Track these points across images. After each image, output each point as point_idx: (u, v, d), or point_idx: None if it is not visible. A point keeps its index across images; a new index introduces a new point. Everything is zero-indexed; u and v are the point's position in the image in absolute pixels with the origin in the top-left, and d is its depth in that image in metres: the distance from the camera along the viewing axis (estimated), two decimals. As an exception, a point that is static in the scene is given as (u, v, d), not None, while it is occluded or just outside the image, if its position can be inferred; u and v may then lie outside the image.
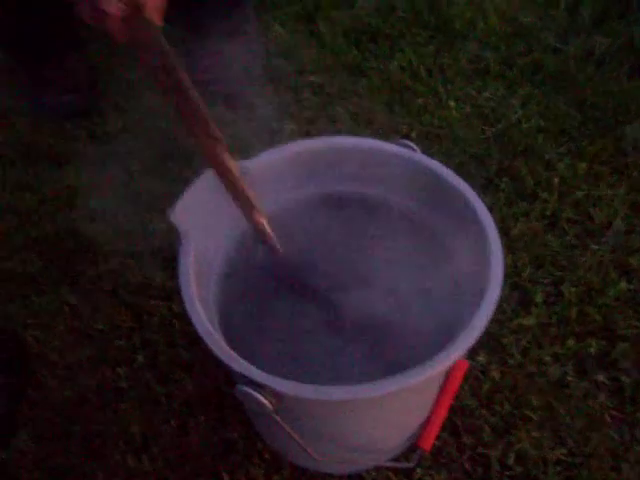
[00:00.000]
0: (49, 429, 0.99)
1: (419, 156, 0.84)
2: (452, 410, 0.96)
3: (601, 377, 1.00)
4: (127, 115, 1.41)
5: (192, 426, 0.98)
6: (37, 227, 1.23)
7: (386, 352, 0.89)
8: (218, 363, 0.69)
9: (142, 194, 1.24)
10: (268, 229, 0.81)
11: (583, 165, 1.24)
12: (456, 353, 0.67)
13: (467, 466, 0.93)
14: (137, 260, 1.17)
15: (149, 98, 1.40)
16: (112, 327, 1.09)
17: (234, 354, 0.67)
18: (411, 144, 0.84)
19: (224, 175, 0.78)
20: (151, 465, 0.95)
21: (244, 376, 0.66)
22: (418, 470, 0.92)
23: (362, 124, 1.33)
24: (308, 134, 1.31)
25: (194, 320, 0.69)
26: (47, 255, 1.19)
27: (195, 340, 1.02)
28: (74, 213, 1.25)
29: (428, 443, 0.85)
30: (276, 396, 0.66)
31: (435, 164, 0.83)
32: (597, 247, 1.14)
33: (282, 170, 0.86)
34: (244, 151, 0.86)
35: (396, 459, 0.92)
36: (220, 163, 0.77)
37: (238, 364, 0.66)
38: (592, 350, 1.02)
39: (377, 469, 0.92)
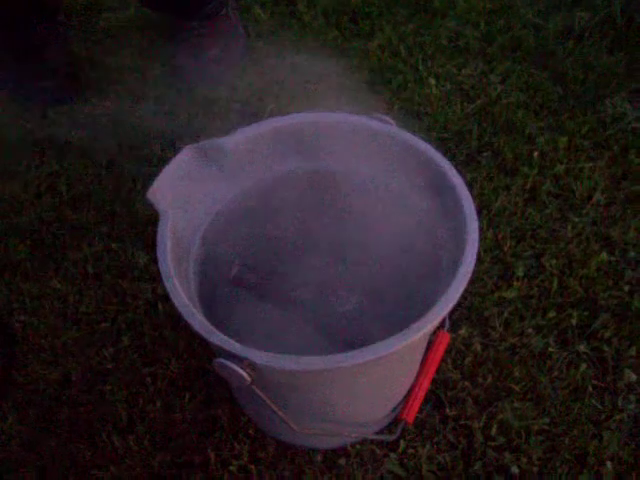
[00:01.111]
0: (35, 412, 1.00)
1: (396, 130, 0.84)
2: (435, 383, 0.97)
3: (582, 347, 1.01)
4: (109, 100, 1.40)
5: (177, 405, 0.98)
6: (20, 213, 1.23)
7: (367, 325, 0.90)
8: (198, 338, 0.70)
9: (124, 176, 1.25)
10: None
11: (563, 139, 1.25)
12: (433, 321, 0.67)
13: (450, 437, 0.94)
14: (121, 243, 1.17)
15: (131, 84, 1.41)
16: (97, 310, 1.09)
17: (211, 327, 0.67)
18: (387, 118, 0.84)
19: None
20: (137, 445, 0.95)
21: (222, 349, 0.66)
22: (402, 442, 0.93)
23: (343, 103, 1.33)
24: (289, 113, 1.30)
25: (171, 294, 0.69)
26: (31, 240, 1.19)
27: (179, 321, 1.03)
28: (57, 198, 1.25)
29: (411, 415, 0.87)
30: (254, 368, 0.66)
31: (412, 137, 0.83)
32: (578, 219, 1.14)
33: (260, 146, 0.87)
34: (225, 131, 0.86)
35: (380, 432, 0.93)
36: None
37: (215, 336, 0.67)
38: (573, 321, 1.03)
39: (361, 442, 0.93)
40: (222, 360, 0.66)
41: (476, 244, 0.73)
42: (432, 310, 0.68)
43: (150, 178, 0.79)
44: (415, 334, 0.66)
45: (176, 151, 0.82)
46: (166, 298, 1.06)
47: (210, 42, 1.40)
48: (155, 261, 1.11)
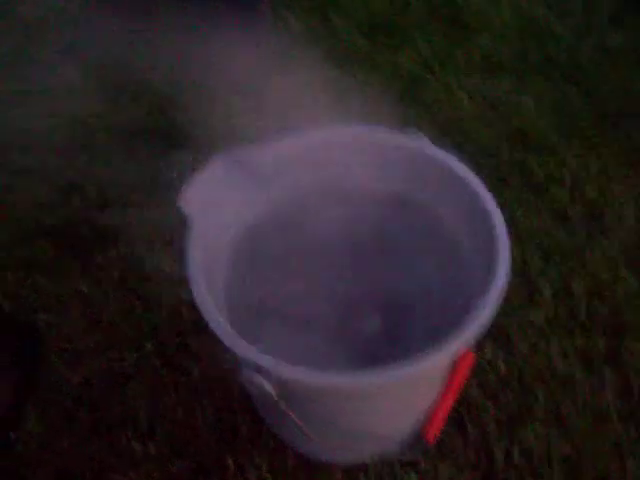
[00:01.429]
0: (57, 413, 1.00)
1: (430, 147, 0.84)
2: (458, 402, 0.96)
3: (608, 373, 1.00)
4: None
5: (198, 413, 0.98)
6: (50, 215, 1.24)
7: (395, 342, 0.89)
8: (225, 349, 0.69)
9: (153, 182, 1.25)
10: None
11: (595, 161, 1.24)
12: (460, 341, 0.67)
13: (472, 458, 0.93)
14: (147, 248, 1.17)
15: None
16: (121, 314, 1.10)
17: (240, 339, 0.67)
18: (420, 133, 0.84)
19: None
20: (156, 450, 0.95)
21: (250, 361, 0.66)
22: (423, 461, 0.92)
23: (373, 116, 1.33)
24: (319, 124, 1.30)
25: (200, 306, 0.69)
26: (59, 242, 1.20)
27: (203, 328, 1.03)
28: (86, 201, 1.25)
29: (433, 434, 0.86)
30: (280, 382, 0.66)
31: (445, 155, 0.83)
32: (607, 243, 1.13)
33: (290, 158, 0.87)
34: (255, 139, 0.86)
35: (401, 449, 0.92)
36: None
37: (244, 349, 0.67)
38: (600, 346, 1.02)
39: (382, 460, 0.92)
40: (250, 373, 0.65)
41: (506, 270, 0.73)
42: (463, 332, 0.68)
43: (181, 184, 0.79)
44: (444, 355, 0.66)
45: (207, 159, 0.82)
46: (190, 304, 1.06)
47: None
48: (181, 266, 1.12)
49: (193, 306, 0.97)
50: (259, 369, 0.66)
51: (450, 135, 1.29)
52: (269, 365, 0.65)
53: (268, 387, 0.66)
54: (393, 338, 0.89)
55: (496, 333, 1.03)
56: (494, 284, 0.71)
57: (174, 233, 1.17)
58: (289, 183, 0.89)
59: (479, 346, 1.01)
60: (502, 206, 1.14)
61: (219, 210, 0.82)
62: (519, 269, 1.10)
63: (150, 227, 1.19)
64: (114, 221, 1.21)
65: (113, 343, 1.07)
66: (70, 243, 1.20)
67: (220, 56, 1.42)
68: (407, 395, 0.79)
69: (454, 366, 0.85)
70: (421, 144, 0.84)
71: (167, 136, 1.33)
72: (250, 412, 0.97)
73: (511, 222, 1.12)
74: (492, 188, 0.82)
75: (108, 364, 1.05)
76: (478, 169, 1.05)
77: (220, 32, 1.40)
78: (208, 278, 0.76)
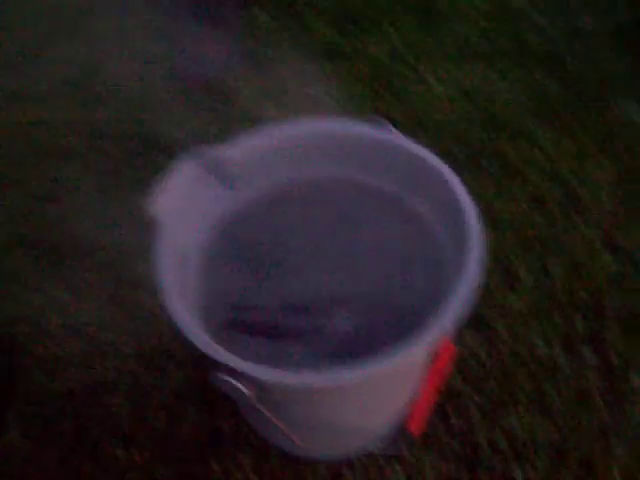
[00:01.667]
0: (39, 424, 0.99)
1: (395, 137, 0.83)
2: (442, 394, 0.96)
3: (589, 355, 1.00)
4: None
5: (181, 417, 0.98)
6: (24, 224, 1.22)
7: (369, 333, 0.89)
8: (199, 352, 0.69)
9: (126, 186, 1.24)
10: None
11: (570, 143, 1.23)
12: (434, 332, 0.67)
13: (456, 448, 0.93)
14: (124, 255, 1.16)
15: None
16: (99, 321, 1.09)
17: (211, 342, 0.66)
18: (384, 120, 0.83)
19: None
20: (140, 456, 0.94)
21: (226, 366, 0.66)
22: (408, 454, 0.92)
23: (343, 106, 1.32)
24: (287, 118, 1.30)
25: (170, 310, 0.69)
26: (34, 251, 1.19)
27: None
28: (60, 208, 1.24)
29: (417, 427, 0.85)
30: (256, 383, 0.65)
31: (410, 144, 0.82)
32: (584, 225, 1.13)
33: (259, 156, 0.86)
34: (225, 137, 0.85)
35: (384, 443, 0.92)
36: None
37: (216, 352, 0.66)
38: (580, 328, 1.02)
39: (367, 454, 0.92)
40: (223, 376, 0.65)
41: (478, 258, 0.72)
42: (434, 320, 0.67)
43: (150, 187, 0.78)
44: (419, 347, 0.66)
45: (176, 161, 0.81)
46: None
47: None
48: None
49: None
50: (235, 374, 0.65)
51: (423, 124, 1.28)
52: (246, 369, 0.64)
53: (245, 391, 0.65)
54: (367, 336, 0.88)
55: (477, 322, 1.03)
56: (465, 271, 0.70)
57: (149, 238, 1.16)
58: (259, 181, 0.89)
59: (460, 337, 1.01)
60: (479, 193, 1.14)
61: (190, 213, 0.81)
62: (497, 255, 1.09)
63: (124, 231, 1.18)
64: (89, 229, 1.20)
65: (93, 351, 1.06)
66: (46, 252, 1.18)
67: (191, 51, 1.41)
68: (387, 390, 0.79)
69: (434, 358, 0.85)
70: (388, 134, 0.83)
71: (137, 138, 1.32)
72: (232, 414, 0.97)
73: (488, 208, 1.13)
74: (468, 175, 0.82)
75: (89, 372, 1.04)
76: (453, 157, 1.05)
77: (191, 27, 1.40)
78: (180, 282, 0.75)
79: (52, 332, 1.08)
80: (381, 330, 0.87)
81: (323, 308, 0.90)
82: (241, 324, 0.88)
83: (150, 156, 1.28)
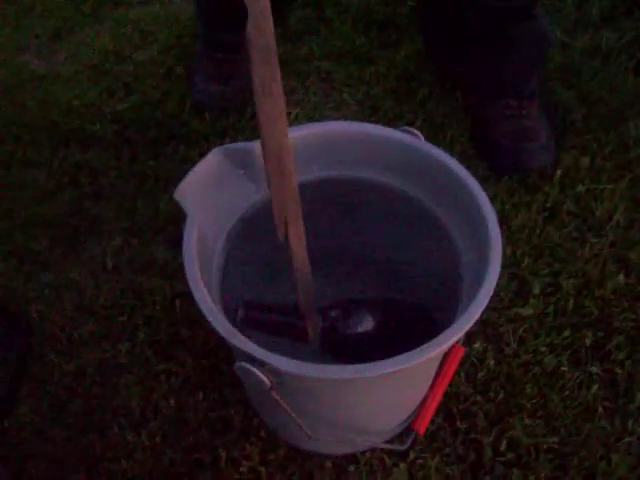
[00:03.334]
0: (50, 402, 1.01)
1: (423, 143, 0.85)
2: (447, 396, 0.97)
3: (595, 368, 1.02)
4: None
5: (190, 403, 0.99)
6: (43, 205, 1.24)
7: (385, 334, 0.90)
8: (219, 340, 0.70)
9: (148, 174, 1.26)
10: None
11: (585, 159, 1.25)
12: (454, 336, 0.68)
13: (460, 450, 0.94)
14: (141, 240, 1.18)
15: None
16: (114, 304, 1.10)
17: (235, 331, 0.68)
18: (414, 131, 0.85)
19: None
20: (149, 440, 0.96)
21: (245, 353, 0.67)
22: (411, 453, 0.93)
23: (367, 111, 1.34)
24: (312, 119, 1.31)
25: (197, 297, 0.70)
26: (52, 232, 1.20)
27: (196, 319, 1.04)
28: (80, 190, 1.26)
29: (423, 426, 0.87)
30: (275, 373, 0.67)
31: (438, 152, 0.84)
32: (597, 240, 1.15)
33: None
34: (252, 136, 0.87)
35: (390, 441, 0.94)
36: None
37: (240, 341, 0.67)
38: (587, 341, 1.04)
39: (371, 450, 0.94)
40: (245, 364, 0.66)
41: (499, 265, 0.74)
42: (454, 325, 0.69)
43: (178, 178, 0.79)
44: (437, 348, 0.67)
45: (203, 152, 0.83)
46: (184, 296, 1.07)
47: None
48: (174, 258, 1.13)
49: (186, 298, 0.98)
50: (255, 361, 0.67)
51: (443, 130, 1.30)
52: (266, 358, 0.66)
53: (263, 378, 0.67)
54: (382, 339, 0.89)
55: (486, 328, 1.05)
56: (486, 282, 0.72)
57: (168, 225, 1.18)
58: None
59: (469, 341, 1.03)
60: (493, 201, 1.16)
61: (216, 204, 0.83)
62: (509, 265, 1.11)
63: (144, 218, 1.20)
64: (108, 212, 1.22)
65: (106, 334, 1.07)
66: (64, 233, 1.20)
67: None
68: (399, 388, 0.80)
69: (445, 359, 0.87)
70: (414, 140, 0.85)
71: (164, 127, 1.33)
72: (242, 404, 0.98)
73: (502, 218, 1.15)
74: (483, 183, 0.84)
75: (101, 354, 1.05)
76: (470, 165, 1.06)
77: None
78: (203, 270, 0.76)
79: (67, 313, 1.10)
80: (396, 334, 0.88)
81: (338, 308, 0.92)
82: (253, 321, 0.89)
83: (174, 147, 1.29)
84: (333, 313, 0.89)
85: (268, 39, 0.61)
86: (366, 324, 0.89)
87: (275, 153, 0.69)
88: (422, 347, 0.67)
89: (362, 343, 0.89)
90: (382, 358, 0.66)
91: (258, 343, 0.68)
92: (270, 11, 0.60)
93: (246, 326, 0.85)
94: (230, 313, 0.79)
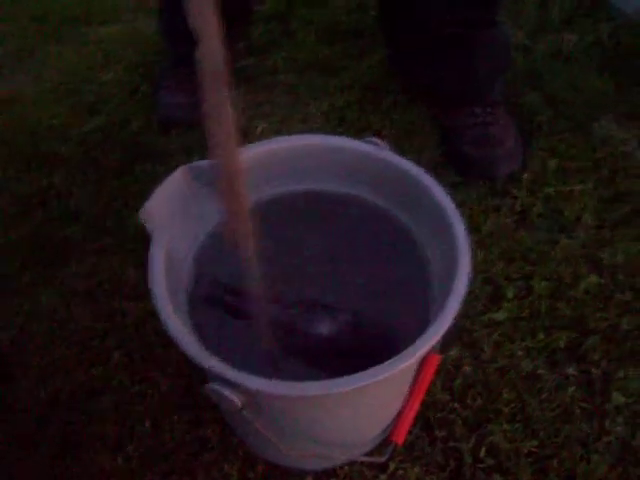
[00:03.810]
0: (23, 431, 0.99)
1: (385, 153, 0.85)
2: (424, 404, 0.97)
3: (571, 370, 1.02)
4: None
5: (167, 425, 0.98)
6: (9, 228, 1.22)
7: (357, 347, 0.89)
8: (189, 361, 0.69)
9: (115, 193, 1.25)
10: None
11: (553, 161, 1.26)
12: (425, 346, 0.68)
13: (439, 459, 0.94)
14: (110, 260, 1.17)
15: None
16: (86, 327, 1.09)
17: (204, 351, 0.67)
18: (378, 141, 0.85)
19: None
20: (126, 465, 0.95)
21: (216, 374, 0.66)
22: (391, 464, 0.93)
23: (334, 122, 1.34)
24: (279, 133, 1.31)
25: (163, 317, 0.69)
26: (21, 256, 1.19)
27: (169, 339, 1.03)
28: (47, 213, 1.25)
29: (401, 437, 0.86)
30: (246, 393, 0.66)
31: (400, 160, 0.84)
32: (568, 241, 1.15)
33: (251, 168, 0.86)
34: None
35: (369, 453, 0.93)
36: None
37: (209, 361, 0.67)
38: (562, 343, 1.04)
39: (350, 464, 0.93)
40: (215, 386, 0.66)
41: (467, 272, 0.73)
42: (424, 335, 0.69)
43: (144, 196, 0.79)
44: (409, 359, 0.67)
45: (170, 170, 0.82)
46: (156, 315, 1.06)
47: None
48: (144, 280, 1.12)
49: (158, 317, 0.97)
50: (226, 382, 0.66)
51: (410, 139, 1.30)
52: (236, 378, 0.65)
53: (234, 398, 0.66)
54: (349, 348, 0.89)
55: (461, 335, 1.04)
56: (455, 289, 0.71)
57: (137, 245, 1.17)
58: (251, 193, 0.89)
59: (444, 348, 1.02)
60: (464, 208, 1.17)
61: (183, 222, 0.82)
62: (482, 270, 1.11)
63: (113, 239, 1.19)
64: (76, 234, 1.20)
65: (79, 357, 1.06)
66: (32, 258, 1.18)
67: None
68: (374, 400, 0.80)
69: (420, 368, 0.86)
70: (379, 151, 0.85)
71: (130, 147, 1.32)
72: (219, 423, 0.97)
73: (472, 223, 1.15)
74: (452, 189, 0.84)
75: (74, 379, 1.04)
76: (438, 173, 1.06)
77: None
78: (172, 292, 0.75)
79: (38, 338, 1.08)
80: (364, 343, 0.87)
81: (308, 312, 0.91)
82: (223, 303, 0.88)
83: (141, 166, 1.28)
84: (294, 310, 0.88)
85: (218, 64, 0.61)
86: (329, 327, 0.88)
87: (225, 175, 0.69)
88: (393, 359, 0.66)
89: (325, 348, 0.88)
90: (348, 368, 0.66)
91: (225, 361, 0.67)
92: (221, 36, 0.60)
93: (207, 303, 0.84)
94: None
